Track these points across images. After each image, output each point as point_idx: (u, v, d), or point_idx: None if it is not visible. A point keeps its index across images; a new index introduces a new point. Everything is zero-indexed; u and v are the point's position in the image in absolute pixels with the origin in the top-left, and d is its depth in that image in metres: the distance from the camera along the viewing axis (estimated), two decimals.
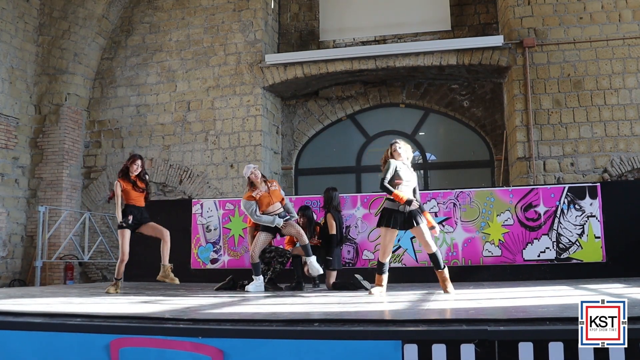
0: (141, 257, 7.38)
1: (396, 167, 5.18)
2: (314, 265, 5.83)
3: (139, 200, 6.15)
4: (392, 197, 5.11)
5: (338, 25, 10.93)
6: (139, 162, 6.14)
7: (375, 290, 5.15)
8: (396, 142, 5.35)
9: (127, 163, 6.16)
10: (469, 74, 10.04)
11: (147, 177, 6.29)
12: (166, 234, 6.11)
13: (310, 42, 11.00)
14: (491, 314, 3.21)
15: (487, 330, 2.60)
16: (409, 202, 5.08)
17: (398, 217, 5.12)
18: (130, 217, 6.04)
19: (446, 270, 5.18)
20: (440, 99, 10.52)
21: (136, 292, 6.11)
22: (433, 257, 5.16)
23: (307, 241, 5.96)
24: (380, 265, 5.23)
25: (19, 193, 10.32)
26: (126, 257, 6.02)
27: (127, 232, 6.03)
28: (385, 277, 5.24)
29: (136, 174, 6.13)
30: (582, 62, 9.04)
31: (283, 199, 6.20)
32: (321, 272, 5.89)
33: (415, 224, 5.09)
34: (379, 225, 5.23)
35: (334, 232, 6.34)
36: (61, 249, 9.53)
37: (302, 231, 6.05)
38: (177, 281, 5.87)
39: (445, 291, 5.09)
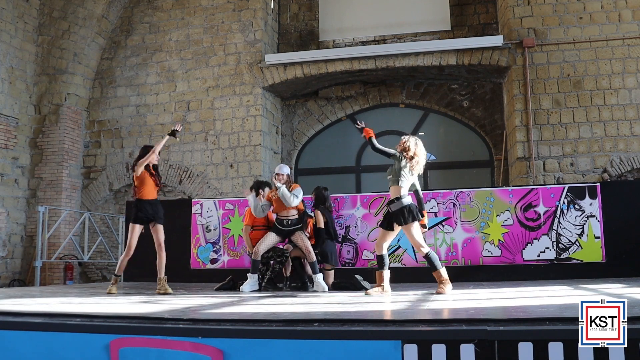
0: (141, 257, 7.35)
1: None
2: (320, 283, 5.88)
3: (152, 192, 5.99)
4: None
5: (338, 25, 10.92)
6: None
7: (373, 290, 5.16)
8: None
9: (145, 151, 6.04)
10: (469, 74, 10.04)
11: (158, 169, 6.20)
12: (161, 251, 5.98)
13: (310, 42, 10.99)
14: (491, 314, 3.21)
15: (487, 330, 2.60)
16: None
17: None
18: (179, 126, 6.09)
19: (443, 271, 5.16)
20: (440, 99, 10.52)
21: (136, 292, 6.11)
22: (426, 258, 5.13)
23: (314, 258, 5.98)
24: (378, 259, 5.24)
25: (18, 193, 10.32)
26: (131, 252, 5.98)
27: (137, 228, 5.97)
28: (385, 274, 5.23)
29: (154, 163, 6.06)
30: (582, 62, 9.05)
31: (299, 208, 6.20)
32: (327, 289, 5.90)
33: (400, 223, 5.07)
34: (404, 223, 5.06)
35: (321, 225, 6.32)
36: (61, 249, 9.52)
37: (310, 247, 6.04)
38: (170, 290, 5.84)
39: (437, 292, 5.02)
